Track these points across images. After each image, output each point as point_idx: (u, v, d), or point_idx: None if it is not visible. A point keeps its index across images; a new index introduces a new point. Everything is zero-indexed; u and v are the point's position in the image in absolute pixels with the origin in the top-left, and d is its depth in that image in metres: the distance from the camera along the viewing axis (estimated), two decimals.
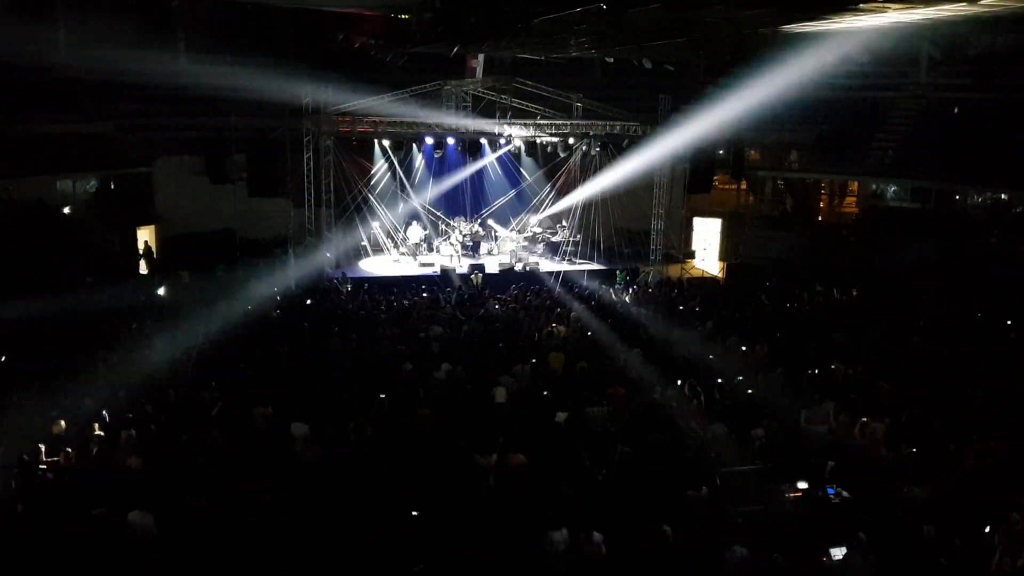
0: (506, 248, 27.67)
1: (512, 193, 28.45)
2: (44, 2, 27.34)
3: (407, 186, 26.98)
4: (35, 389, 12.85)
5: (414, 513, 9.22)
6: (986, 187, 29.38)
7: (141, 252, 26.55)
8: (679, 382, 14.21)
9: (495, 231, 28.47)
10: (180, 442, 11.20)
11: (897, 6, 13.36)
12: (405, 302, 20.90)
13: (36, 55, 26.72)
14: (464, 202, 27.93)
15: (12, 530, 8.85)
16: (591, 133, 26.53)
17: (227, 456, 10.93)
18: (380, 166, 26.49)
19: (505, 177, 28.48)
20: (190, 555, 8.44)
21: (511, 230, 28.52)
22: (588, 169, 27.30)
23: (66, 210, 26.75)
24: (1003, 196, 29.55)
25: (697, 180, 27.60)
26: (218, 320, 18.33)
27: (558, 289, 22.95)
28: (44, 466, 10.45)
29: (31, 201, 24.95)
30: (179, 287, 22.76)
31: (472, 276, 24.47)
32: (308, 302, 21.18)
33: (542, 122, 26.04)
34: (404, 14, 24.39)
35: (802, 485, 10.21)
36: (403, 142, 25.65)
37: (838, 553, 8.73)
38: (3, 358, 15.09)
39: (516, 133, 26.05)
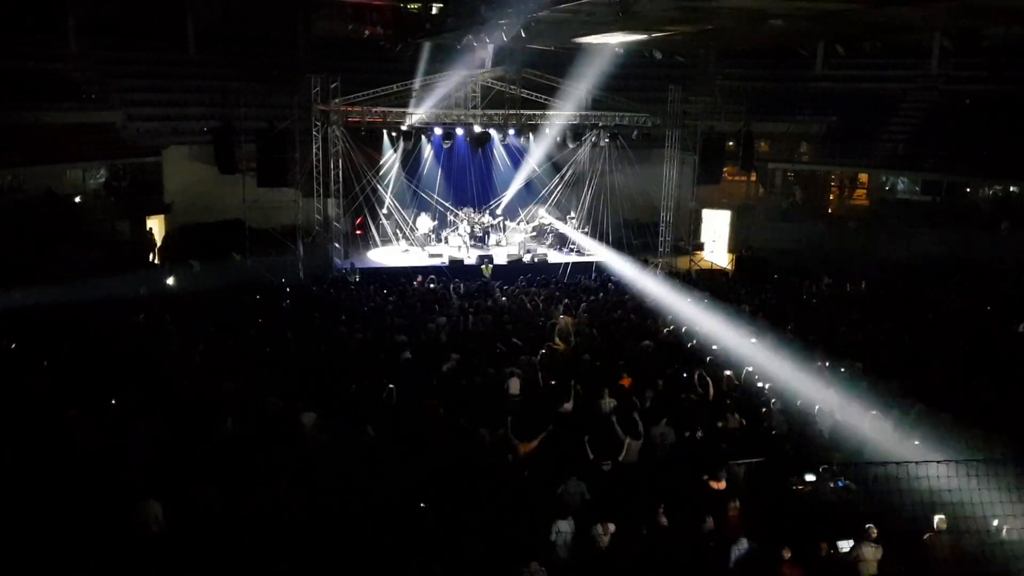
0: (514, 239, 27.65)
1: (520, 184, 28.40)
2: None
3: (416, 176, 26.99)
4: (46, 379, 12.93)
5: (422, 504, 9.26)
6: (997, 179, 29.22)
7: (160, 241, 26.74)
8: (687, 374, 14.23)
9: (503, 222, 28.45)
10: (190, 431, 11.24)
11: None
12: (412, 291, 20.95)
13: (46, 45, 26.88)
14: (472, 193, 27.89)
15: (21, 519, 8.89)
16: (600, 124, 26.45)
17: (237, 445, 10.97)
18: (389, 156, 26.45)
19: (514, 168, 28.41)
20: (199, 544, 8.48)
21: (519, 221, 28.48)
22: (597, 160, 27.22)
23: (76, 199, 26.83)
24: (1013, 189, 29.38)
25: (707, 171, 27.51)
26: (228, 309, 18.41)
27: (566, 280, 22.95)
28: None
29: (41, 191, 25.03)
30: (189, 276, 22.85)
31: (482, 266, 24.46)
32: (315, 290, 21.23)
33: (551, 113, 25.95)
34: (413, 4, 24.38)
35: (810, 477, 10.21)
36: (412, 133, 25.59)
37: (845, 546, 8.73)
38: (13, 346, 15.18)
39: (524, 124, 25.97)
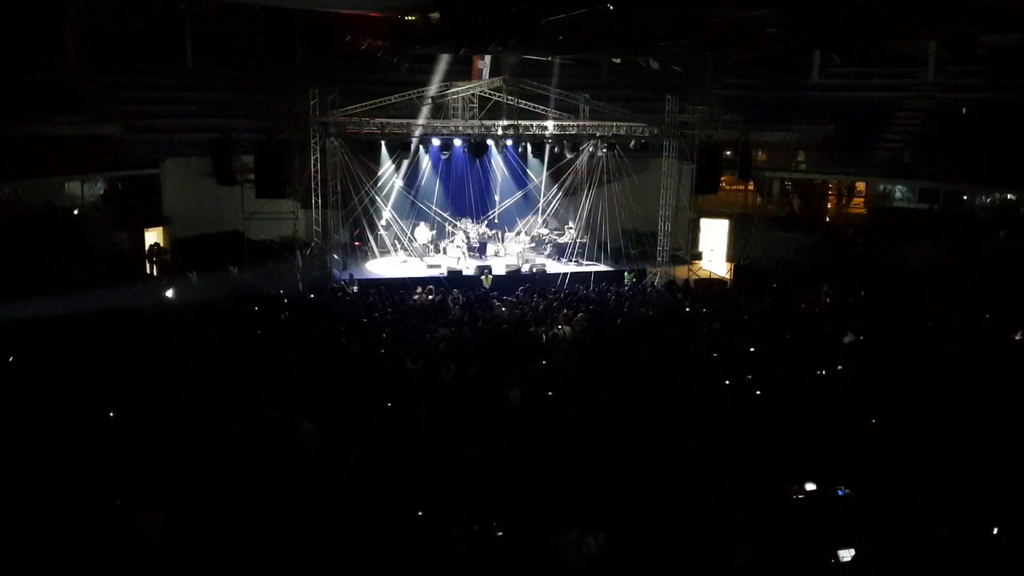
0: (513, 249, 27.68)
1: (519, 194, 28.44)
2: (52, 5, 27.45)
3: (414, 187, 27.03)
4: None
5: (419, 513, 9.23)
6: (994, 187, 29.31)
7: (158, 253, 26.76)
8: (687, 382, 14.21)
9: (502, 232, 28.48)
10: (191, 441, 11.20)
11: None
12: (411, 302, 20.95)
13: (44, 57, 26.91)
14: (471, 203, 27.92)
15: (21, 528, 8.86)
16: (598, 134, 26.50)
17: (237, 455, 10.93)
18: (387, 167, 26.49)
19: (512, 178, 28.46)
20: (199, 555, 8.45)
21: (517, 231, 28.51)
22: (595, 170, 27.28)
23: (75, 212, 26.84)
24: (1010, 196, 29.47)
25: (704, 181, 27.55)
26: (227, 320, 18.39)
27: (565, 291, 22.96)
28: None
29: (39, 203, 25.03)
30: (187, 288, 22.83)
31: (482, 277, 24.46)
32: (313, 298, 21.22)
33: (548, 123, 26.01)
34: (411, 16, 24.46)
35: (810, 486, 10.18)
36: (410, 143, 25.63)
37: (847, 555, 8.70)
38: (11, 359, 15.14)
39: (522, 134, 26.01)
